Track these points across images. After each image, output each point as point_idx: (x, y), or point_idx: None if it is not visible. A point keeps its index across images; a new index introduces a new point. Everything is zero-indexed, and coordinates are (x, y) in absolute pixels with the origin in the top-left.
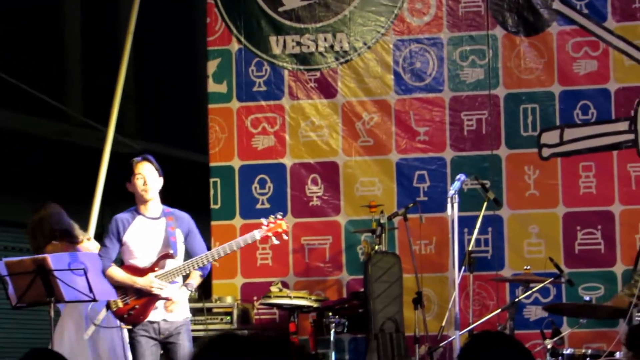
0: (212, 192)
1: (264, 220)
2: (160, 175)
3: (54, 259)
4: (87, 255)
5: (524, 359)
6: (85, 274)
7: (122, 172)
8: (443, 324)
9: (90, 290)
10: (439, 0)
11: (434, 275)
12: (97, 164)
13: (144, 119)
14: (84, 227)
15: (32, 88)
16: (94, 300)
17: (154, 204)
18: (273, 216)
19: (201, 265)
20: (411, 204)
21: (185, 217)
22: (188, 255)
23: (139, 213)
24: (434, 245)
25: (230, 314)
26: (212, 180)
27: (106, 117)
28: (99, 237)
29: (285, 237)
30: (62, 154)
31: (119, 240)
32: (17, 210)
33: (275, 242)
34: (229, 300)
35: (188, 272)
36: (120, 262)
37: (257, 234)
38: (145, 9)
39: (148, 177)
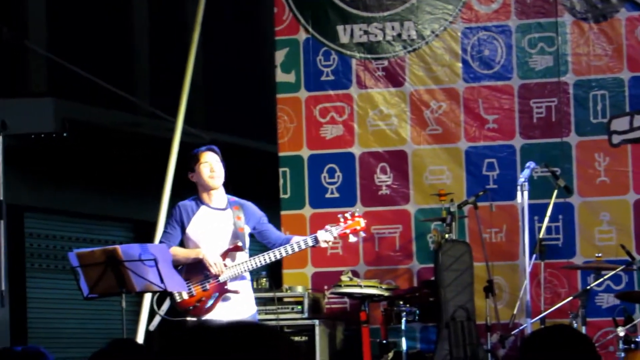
0: (281, 181)
1: (340, 217)
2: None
3: (125, 250)
4: (158, 246)
5: (588, 354)
6: (156, 264)
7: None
8: (514, 312)
9: (162, 281)
10: None
11: (504, 263)
12: (167, 155)
13: (213, 110)
14: (154, 217)
15: (101, 79)
16: (165, 290)
17: (218, 194)
18: (349, 213)
19: (278, 258)
20: (481, 192)
21: (251, 207)
22: (261, 245)
23: (203, 203)
24: (505, 233)
25: (301, 303)
26: (281, 170)
27: (175, 108)
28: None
29: (363, 234)
30: (131, 145)
31: (182, 227)
32: (88, 201)
33: (353, 239)
34: (299, 289)
35: (258, 265)
36: None
37: (334, 231)
38: None
39: (215, 165)
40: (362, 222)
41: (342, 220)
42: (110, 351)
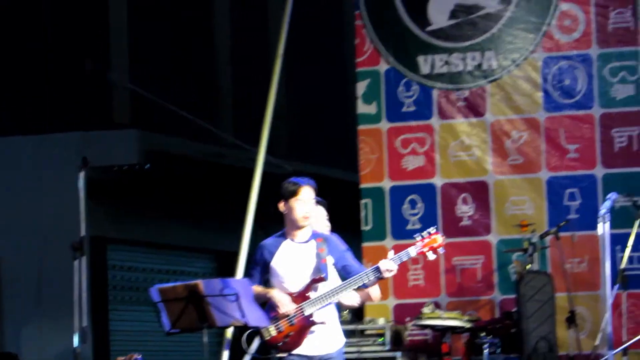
0: (363, 213)
1: (417, 236)
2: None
3: (206, 285)
4: (239, 281)
5: None
6: (238, 299)
7: (274, 193)
8: (596, 342)
9: (243, 315)
10: (588, 17)
11: (586, 293)
12: (249, 185)
13: (295, 140)
14: (236, 248)
15: (184, 111)
16: (246, 326)
17: (306, 229)
18: (427, 231)
19: (359, 285)
20: (563, 223)
21: (335, 240)
22: (341, 277)
23: (286, 237)
24: (587, 264)
25: (383, 335)
26: (363, 201)
27: (257, 139)
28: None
29: (441, 250)
30: (214, 176)
31: (265, 267)
32: (171, 232)
33: (432, 257)
34: (381, 321)
35: (343, 294)
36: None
37: (412, 251)
38: (295, 30)
39: (310, 205)
40: (440, 239)
41: (419, 239)
42: None
